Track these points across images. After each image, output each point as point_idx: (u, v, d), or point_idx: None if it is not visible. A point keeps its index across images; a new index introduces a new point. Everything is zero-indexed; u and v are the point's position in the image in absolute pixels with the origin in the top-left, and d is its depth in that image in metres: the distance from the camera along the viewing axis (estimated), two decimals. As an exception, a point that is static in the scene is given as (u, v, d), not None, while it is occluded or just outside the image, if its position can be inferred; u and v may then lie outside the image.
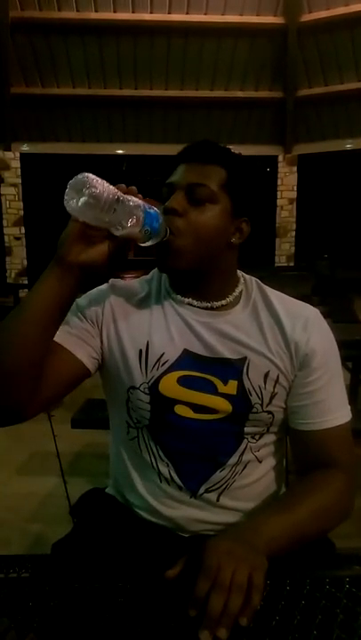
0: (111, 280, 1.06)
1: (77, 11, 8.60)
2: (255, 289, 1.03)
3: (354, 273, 8.85)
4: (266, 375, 0.94)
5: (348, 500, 0.92)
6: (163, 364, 0.95)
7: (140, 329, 0.98)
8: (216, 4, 8.64)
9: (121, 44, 8.86)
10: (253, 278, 1.05)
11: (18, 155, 9.59)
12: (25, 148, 9.63)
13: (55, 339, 0.90)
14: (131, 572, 0.78)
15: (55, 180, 12.14)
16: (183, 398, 0.94)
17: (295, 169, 10.08)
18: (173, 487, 0.98)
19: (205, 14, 8.71)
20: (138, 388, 0.96)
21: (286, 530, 0.79)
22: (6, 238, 9.77)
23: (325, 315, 1.06)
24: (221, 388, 0.94)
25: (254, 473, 1.00)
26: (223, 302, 0.98)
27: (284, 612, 0.67)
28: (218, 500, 0.97)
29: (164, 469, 0.98)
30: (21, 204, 9.72)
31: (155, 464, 0.98)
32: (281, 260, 10.25)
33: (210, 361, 0.95)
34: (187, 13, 8.70)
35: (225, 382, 0.94)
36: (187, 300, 0.98)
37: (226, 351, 0.95)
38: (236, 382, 0.94)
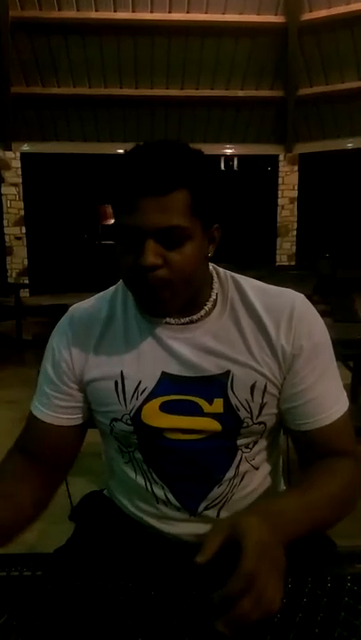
0: (70, 310, 0.99)
1: (77, 10, 8.59)
2: (231, 286, 0.94)
3: (355, 272, 8.83)
4: (252, 387, 0.89)
5: (359, 487, 0.89)
6: (142, 393, 0.89)
7: (110, 359, 0.91)
8: (217, 3, 8.62)
9: (121, 43, 8.85)
10: (228, 273, 0.96)
11: (18, 154, 9.58)
12: (25, 147, 9.62)
13: (42, 417, 0.95)
14: (132, 571, 0.78)
15: (56, 180, 12.22)
16: (168, 425, 0.90)
17: (296, 168, 10.06)
18: (171, 508, 0.95)
19: (206, 13, 8.69)
20: (120, 420, 0.91)
21: (306, 516, 0.76)
22: (7, 238, 9.76)
23: (326, 314, 1.02)
24: (207, 408, 0.89)
25: (253, 481, 0.97)
26: (202, 312, 0.91)
27: (285, 609, 0.67)
28: (218, 515, 0.95)
29: (159, 492, 0.95)
30: (22, 203, 9.71)
31: (149, 487, 0.96)
32: (282, 260, 10.24)
33: (191, 381, 0.89)
34: (187, 12, 8.68)
35: (210, 402, 0.89)
36: (164, 320, 0.91)
37: (208, 367, 0.89)
38: (221, 400, 0.88)
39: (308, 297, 0.96)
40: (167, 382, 0.89)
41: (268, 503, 0.77)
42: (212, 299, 0.92)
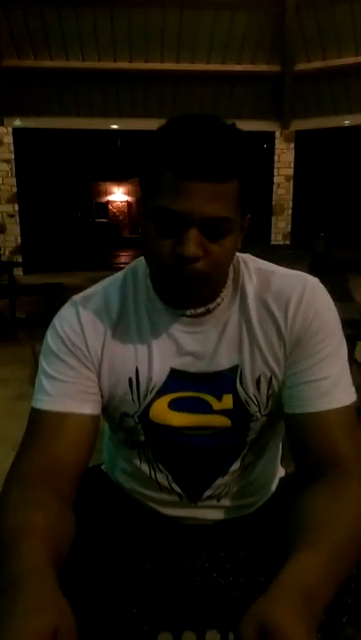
0: (76, 301, 0.91)
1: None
2: (241, 270, 0.89)
3: (350, 252, 8.83)
4: (258, 380, 0.86)
5: None
6: (152, 390, 0.86)
7: (126, 353, 0.87)
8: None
9: (115, 15, 8.65)
10: (240, 257, 0.91)
11: (10, 130, 9.42)
12: (18, 122, 9.46)
13: (55, 407, 0.81)
14: (128, 545, 0.79)
15: (49, 156, 12.02)
16: (177, 423, 0.87)
17: (292, 145, 9.97)
18: (173, 495, 0.95)
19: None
20: (130, 416, 0.89)
21: (332, 570, 0.62)
22: (0, 216, 9.67)
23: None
24: (216, 405, 0.87)
25: (256, 469, 0.96)
26: (218, 301, 0.87)
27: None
28: (219, 501, 0.96)
29: (163, 480, 0.94)
30: (15, 180, 9.58)
31: (153, 475, 0.95)
32: (277, 239, 10.21)
33: (200, 377, 0.86)
34: (183, -16, 8.49)
35: (219, 398, 0.86)
36: (180, 311, 0.86)
37: (216, 362, 0.86)
38: (230, 396, 0.86)
39: None
40: (176, 379, 0.87)
41: (295, 575, 0.59)
42: (227, 286, 0.88)
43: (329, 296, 0.87)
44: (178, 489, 0.94)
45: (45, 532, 0.65)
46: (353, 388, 0.84)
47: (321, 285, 0.87)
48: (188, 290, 0.78)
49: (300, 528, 0.67)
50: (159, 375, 0.86)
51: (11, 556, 0.59)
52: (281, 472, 1.08)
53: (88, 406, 0.84)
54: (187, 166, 0.70)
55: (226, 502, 0.96)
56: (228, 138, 0.73)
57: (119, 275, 0.93)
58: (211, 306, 0.86)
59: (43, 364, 0.87)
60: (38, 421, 0.82)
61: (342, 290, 4.11)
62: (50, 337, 0.88)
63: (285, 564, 0.60)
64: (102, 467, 1.12)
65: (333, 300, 0.88)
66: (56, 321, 0.89)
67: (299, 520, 0.69)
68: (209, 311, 0.86)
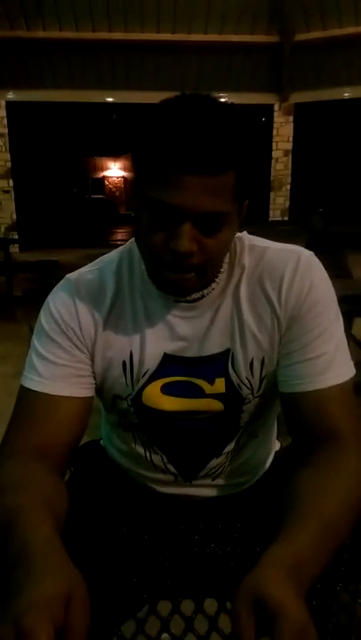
0: (70, 279, 0.89)
1: None
2: (239, 250, 0.88)
3: (348, 228, 8.78)
4: (251, 364, 0.85)
5: None
6: (144, 374, 0.86)
7: (120, 337, 0.86)
8: None
9: (110, -18, 8.40)
10: (236, 238, 0.88)
11: (3, 103, 9.23)
12: (10, 95, 9.27)
13: (46, 389, 0.81)
14: (126, 518, 0.81)
15: (44, 130, 11.80)
16: (170, 408, 0.88)
17: (291, 119, 9.81)
18: (168, 475, 0.96)
19: None
20: (124, 399, 0.89)
21: (324, 547, 0.63)
22: (-6, 191, 9.56)
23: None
24: (209, 389, 0.87)
25: (250, 449, 0.97)
26: (213, 286, 0.85)
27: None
28: (213, 480, 0.97)
29: (158, 461, 0.96)
30: (9, 155, 9.43)
31: (148, 456, 0.96)
32: (275, 215, 10.13)
33: (193, 362, 0.86)
34: None
35: (212, 382, 0.86)
36: (173, 297, 0.85)
37: (208, 346, 0.86)
38: (223, 379, 0.86)
39: None
40: (168, 363, 0.86)
41: (283, 550, 0.60)
42: (223, 270, 0.86)
43: (324, 270, 0.86)
44: (173, 469, 0.95)
45: (44, 504, 0.66)
46: (351, 363, 0.83)
47: (316, 259, 0.86)
48: (181, 283, 0.77)
49: (291, 501, 0.68)
50: (152, 359, 0.86)
51: (16, 529, 0.60)
52: (276, 446, 1.10)
53: (79, 389, 0.84)
54: (182, 160, 0.67)
55: (220, 481, 0.98)
56: (225, 126, 0.70)
57: (115, 255, 0.91)
58: (206, 291, 0.85)
59: (35, 342, 0.86)
60: (29, 401, 0.82)
61: (340, 266, 4.10)
62: (43, 316, 0.87)
63: (276, 537, 0.61)
64: (101, 442, 1.13)
65: (331, 277, 0.87)
66: (50, 300, 0.88)
67: (291, 493, 0.70)
68: (203, 296, 0.85)
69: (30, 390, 0.82)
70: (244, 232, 0.90)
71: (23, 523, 0.61)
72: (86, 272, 0.90)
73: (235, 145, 0.70)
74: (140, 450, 0.96)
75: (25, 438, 0.79)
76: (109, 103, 9.90)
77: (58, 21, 8.75)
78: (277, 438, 1.11)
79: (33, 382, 0.82)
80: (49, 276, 5.62)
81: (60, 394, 0.82)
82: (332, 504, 0.67)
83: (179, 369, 0.87)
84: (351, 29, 8.65)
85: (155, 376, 0.86)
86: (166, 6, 8.68)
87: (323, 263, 0.87)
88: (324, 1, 8.63)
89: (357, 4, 8.50)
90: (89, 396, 0.85)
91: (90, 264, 0.92)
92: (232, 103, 0.77)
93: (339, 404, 0.80)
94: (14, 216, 9.72)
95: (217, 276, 0.85)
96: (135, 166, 0.77)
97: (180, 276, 0.75)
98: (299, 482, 0.72)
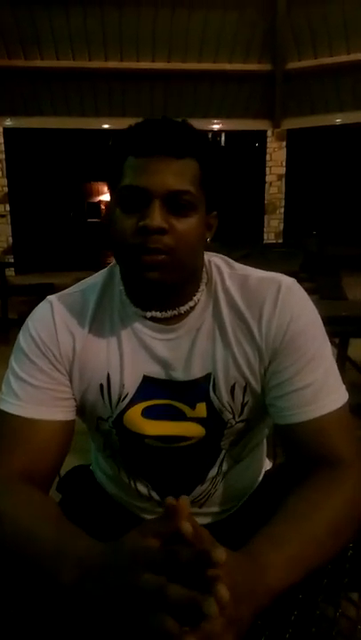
0: (51, 301, 0.88)
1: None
2: (216, 276, 0.87)
3: (342, 249, 8.87)
4: (232, 388, 0.84)
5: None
6: (124, 398, 0.85)
7: (98, 359, 0.85)
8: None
9: (105, 14, 8.62)
10: (213, 260, 0.89)
11: (1, 130, 9.37)
12: (8, 122, 9.41)
13: (25, 413, 0.80)
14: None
15: (41, 156, 11.95)
16: (151, 432, 0.86)
17: (284, 144, 9.98)
18: (153, 504, 0.95)
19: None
20: (105, 420, 0.88)
21: (295, 562, 0.63)
22: (-9, 216, 9.62)
23: (313, 291, 0.92)
24: (190, 412, 0.85)
25: (236, 473, 0.95)
26: (190, 304, 0.84)
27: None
28: (201, 507, 0.95)
29: (142, 488, 0.94)
30: (6, 180, 9.53)
31: (133, 483, 0.95)
32: (269, 237, 10.22)
33: (173, 385, 0.85)
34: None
35: (193, 406, 0.85)
36: (150, 313, 0.84)
37: (189, 370, 0.84)
38: (204, 404, 0.85)
39: (295, 274, 0.90)
40: (149, 386, 0.85)
41: (253, 557, 0.61)
42: (200, 289, 0.86)
43: (306, 296, 0.85)
44: (157, 497, 0.94)
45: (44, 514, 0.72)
46: (343, 388, 0.82)
47: (297, 286, 0.85)
48: (153, 263, 0.76)
49: (277, 518, 0.68)
50: (132, 382, 0.85)
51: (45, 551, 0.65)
52: (267, 465, 1.08)
53: (60, 413, 0.82)
54: (145, 144, 0.75)
55: (209, 509, 0.96)
56: (184, 125, 0.79)
57: (96, 277, 0.91)
58: (182, 309, 0.84)
59: (13, 363, 0.84)
60: (8, 425, 0.81)
61: (335, 287, 4.13)
62: (22, 337, 0.86)
63: (248, 548, 0.62)
64: (90, 466, 1.12)
65: (326, 298, 0.87)
66: (29, 321, 0.87)
67: (279, 510, 0.70)
68: (180, 314, 0.84)
69: (9, 414, 0.81)
70: (222, 257, 0.91)
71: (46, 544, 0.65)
72: (67, 294, 0.90)
73: (196, 138, 0.78)
74: (125, 477, 0.95)
75: (6, 463, 0.78)
76: (106, 129, 10.06)
77: (55, 51, 8.94)
78: (269, 457, 1.09)
79: (12, 406, 0.81)
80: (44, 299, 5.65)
81: (41, 418, 0.80)
82: (318, 526, 0.67)
83: (159, 392, 0.85)
84: (342, 58, 8.87)
85: (135, 399, 0.85)
86: (161, 36, 8.89)
87: (318, 285, 0.87)
88: (315, 30, 8.86)
89: (347, 33, 8.74)
90: (70, 419, 0.84)
91: (72, 287, 0.92)
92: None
93: (334, 431, 0.79)
94: (10, 240, 9.77)
95: (194, 294, 0.85)
96: (108, 175, 0.81)
97: (154, 257, 0.75)
98: (289, 500, 0.72)
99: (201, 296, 0.86)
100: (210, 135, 9.83)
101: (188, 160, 0.76)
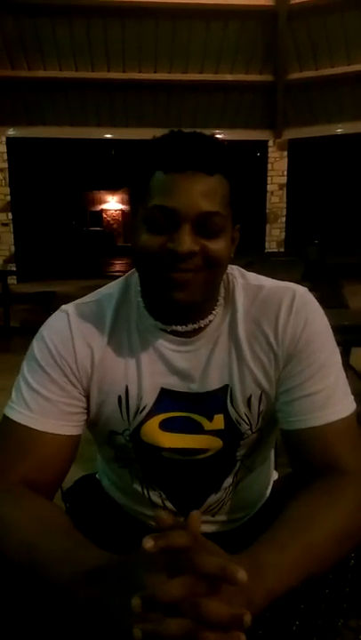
0: (67, 310, 0.87)
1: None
2: (232, 287, 0.88)
3: (343, 258, 8.89)
4: (249, 399, 0.84)
5: None
6: (142, 410, 0.84)
7: (116, 371, 0.84)
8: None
9: (108, 25, 8.70)
10: (230, 274, 0.88)
11: (4, 139, 9.44)
12: (11, 132, 9.48)
13: (34, 424, 0.79)
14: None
15: (43, 165, 12.02)
16: (168, 445, 0.85)
17: (285, 154, 10.03)
18: (167, 512, 0.95)
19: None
20: (120, 434, 0.87)
21: (296, 566, 0.64)
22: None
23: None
24: (207, 425, 0.85)
25: (248, 483, 0.95)
26: (210, 317, 0.84)
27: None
28: (213, 516, 0.95)
29: (155, 497, 0.93)
30: (8, 189, 9.58)
31: (146, 493, 0.94)
32: (271, 246, 10.24)
33: (191, 397, 0.85)
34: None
35: (210, 418, 0.85)
36: (170, 327, 0.83)
37: (207, 382, 0.84)
38: (222, 416, 0.85)
39: (297, 283, 0.90)
40: (166, 399, 0.85)
41: (252, 560, 0.62)
42: (219, 302, 0.85)
43: (318, 305, 0.86)
44: (171, 506, 0.93)
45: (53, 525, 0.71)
46: (351, 397, 0.82)
47: (310, 294, 0.86)
48: (182, 284, 0.74)
49: (279, 522, 0.69)
50: (150, 394, 0.84)
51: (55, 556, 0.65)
52: (274, 476, 1.08)
53: (68, 427, 0.82)
54: (175, 160, 0.71)
55: (220, 517, 0.96)
56: (213, 140, 0.76)
57: (112, 288, 0.90)
58: (202, 323, 0.83)
59: (25, 372, 0.83)
60: (16, 434, 0.80)
61: (336, 296, 4.14)
62: (36, 346, 0.84)
63: (248, 550, 0.63)
64: (97, 475, 1.11)
65: (327, 307, 0.87)
66: (44, 331, 0.86)
67: (281, 515, 0.70)
68: (200, 328, 0.84)
69: (18, 423, 0.80)
70: (236, 267, 0.90)
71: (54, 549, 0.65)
72: (83, 304, 0.88)
73: (225, 153, 0.75)
74: (138, 487, 0.94)
75: (11, 472, 0.78)
76: (108, 139, 10.12)
77: (58, 61, 9.02)
78: (275, 469, 1.09)
79: (22, 416, 0.80)
80: (46, 307, 5.64)
81: (49, 431, 0.80)
82: (319, 532, 0.67)
83: (177, 404, 0.85)
84: (342, 68, 8.93)
85: (153, 411, 0.85)
86: (163, 47, 8.97)
87: (319, 293, 0.87)
88: (316, 41, 8.94)
89: (348, 45, 8.81)
90: (76, 434, 0.84)
91: (86, 296, 0.91)
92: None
93: (341, 439, 0.79)
94: (13, 248, 9.80)
95: (213, 308, 0.84)
96: (133, 189, 0.79)
97: (183, 275, 0.74)
98: (292, 506, 0.72)
99: (219, 308, 0.85)
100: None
101: (219, 177, 0.73)
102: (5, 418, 0.82)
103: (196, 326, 0.83)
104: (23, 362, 0.85)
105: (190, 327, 0.83)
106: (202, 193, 0.71)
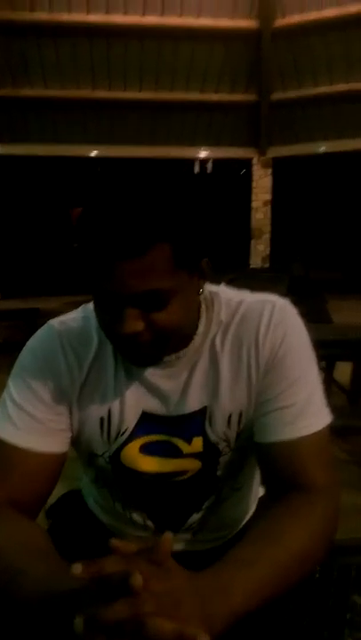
0: (55, 326, 0.86)
1: (50, 12, 8.53)
2: (211, 307, 0.86)
3: (327, 274, 8.99)
4: (228, 418, 0.84)
5: (331, 528, 0.75)
6: (123, 433, 0.84)
7: (100, 393, 0.84)
8: (191, 6, 8.69)
9: (94, 45, 8.86)
10: (210, 293, 0.87)
11: (-10, 156, 9.47)
12: (-3, 149, 9.51)
13: (19, 442, 0.78)
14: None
15: (28, 182, 12.00)
16: (148, 468, 0.85)
17: (270, 171, 10.19)
18: (148, 532, 0.94)
19: (180, 17, 8.74)
20: (100, 456, 0.86)
21: (260, 586, 0.63)
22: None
23: (299, 315, 0.92)
24: (186, 448, 0.85)
25: (232, 502, 0.95)
26: (189, 346, 0.83)
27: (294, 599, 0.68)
28: (195, 535, 0.94)
29: (137, 517, 0.93)
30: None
31: (127, 513, 0.94)
32: (256, 262, 10.34)
33: (171, 420, 0.84)
34: (161, 15, 8.71)
35: (189, 441, 0.84)
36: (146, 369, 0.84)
37: (186, 404, 0.83)
38: (200, 438, 0.84)
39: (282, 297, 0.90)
40: (147, 422, 0.84)
41: (217, 578, 0.61)
42: (199, 330, 0.83)
43: (298, 317, 0.85)
44: (152, 525, 0.93)
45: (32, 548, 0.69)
46: (325, 411, 0.81)
47: (290, 306, 0.85)
48: (137, 355, 0.76)
49: (244, 543, 0.68)
50: (131, 418, 0.84)
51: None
52: (261, 491, 1.07)
53: (54, 444, 0.81)
54: (106, 248, 0.67)
55: (202, 535, 0.95)
56: (149, 203, 0.67)
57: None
58: (182, 352, 0.82)
59: (11, 388, 0.82)
60: (1, 451, 0.79)
61: (321, 311, 4.18)
62: (22, 362, 0.84)
63: (213, 573, 0.61)
64: (82, 491, 1.10)
65: (311, 322, 0.87)
66: (31, 346, 0.85)
67: (246, 536, 0.70)
68: (180, 357, 0.83)
69: (2, 440, 0.79)
70: (221, 285, 0.89)
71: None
72: (70, 320, 0.87)
73: (158, 219, 0.67)
74: (119, 506, 0.94)
75: None
76: (93, 157, 10.19)
77: (43, 80, 9.11)
78: (261, 485, 1.09)
79: (6, 432, 0.79)
80: (30, 324, 5.59)
81: (34, 448, 0.79)
82: (284, 551, 0.67)
83: (157, 427, 0.84)
84: (325, 88, 9.15)
85: (133, 435, 0.84)
86: (149, 66, 9.12)
87: (303, 308, 0.87)
88: (299, 62, 9.16)
89: (330, 65, 9.03)
90: (63, 451, 0.83)
91: (73, 312, 0.90)
92: (169, 174, 0.73)
93: (310, 455, 0.78)
94: (-3, 265, 9.77)
95: (193, 337, 0.83)
96: (81, 266, 0.75)
97: (136, 351, 0.74)
98: (259, 523, 0.72)
99: (200, 329, 0.84)
100: (197, 165, 9.99)
101: (154, 251, 0.66)
102: None
103: (175, 355, 0.82)
104: (9, 377, 0.84)
105: (169, 358, 0.81)
106: (136, 274, 0.67)
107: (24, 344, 0.88)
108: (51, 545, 0.71)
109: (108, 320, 0.73)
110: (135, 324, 0.70)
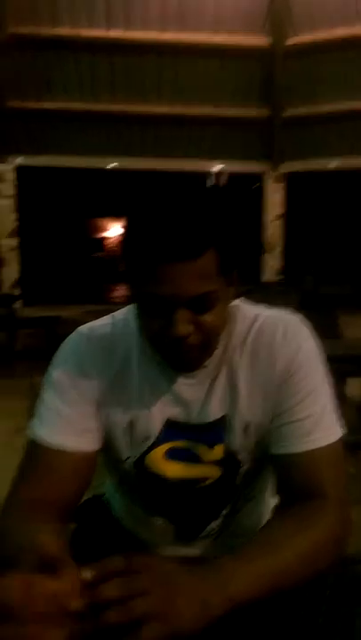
0: (83, 331, 0.91)
1: (72, 27, 8.71)
2: (233, 320, 0.90)
3: (339, 288, 8.97)
4: (245, 429, 0.87)
5: (341, 536, 0.77)
6: (147, 439, 0.87)
7: (126, 400, 0.87)
8: (207, 23, 8.84)
9: (114, 60, 9.01)
10: (230, 307, 0.88)
11: (13, 167, 9.62)
12: (20, 160, 9.67)
13: (53, 442, 0.81)
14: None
15: (50, 192, 12.09)
16: (171, 474, 0.89)
17: (283, 186, 10.24)
18: (168, 536, 0.97)
19: (196, 33, 8.88)
20: (124, 461, 0.90)
21: (261, 579, 0.65)
22: (1, 250, 9.73)
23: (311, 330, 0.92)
24: (208, 455, 0.88)
25: (248, 510, 0.98)
26: (212, 356, 0.86)
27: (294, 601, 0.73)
28: (215, 540, 0.97)
29: (158, 522, 0.96)
30: (17, 215, 9.70)
31: (149, 519, 0.97)
32: (268, 276, 10.35)
33: (194, 428, 0.88)
34: (179, 32, 8.86)
35: (211, 448, 0.88)
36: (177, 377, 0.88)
37: (209, 413, 0.87)
38: (222, 446, 0.88)
39: (293, 312, 0.93)
40: (172, 430, 0.88)
41: (217, 568, 0.64)
42: (221, 338, 0.86)
43: (311, 333, 0.89)
44: (172, 531, 0.96)
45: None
46: (338, 425, 0.84)
47: (304, 323, 0.89)
48: (183, 359, 0.80)
49: (250, 542, 0.71)
50: (156, 424, 0.87)
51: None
52: (275, 500, 1.08)
53: (86, 443, 0.84)
54: (161, 252, 0.70)
55: (221, 541, 0.98)
56: (198, 210, 0.72)
57: (127, 313, 0.92)
58: (207, 362, 0.85)
59: (43, 393, 0.87)
60: (35, 454, 0.83)
61: (331, 326, 4.18)
62: (54, 368, 0.88)
63: (214, 564, 0.64)
64: (104, 496, 1.13)
65: (322, 337, 0.90)
66: (61, 353, 0.89)
67: (257, 535, 0.74)
68: (205, 366, 0.86)
69: (36, 442, 0.83)
70: (239, 300, 0.93)
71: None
72: (99, 327, 0.91)
73: (210, 225, 0.72)
74: (141, 512, 0.97)
75: (30, 492, 0.80)
76: (112, 169, 10.32)
77: (65, 93, 9.27)
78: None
79: (40, 435, 0.83)
80: (51, 332, 5.64)
81: (67, 447, 0.82)
82: (286, 552, 0.69)
83: (181, 434, 0.88)
84: (338, 105, 9.16)
85: (158, 441, 0.87)
86: (166, 82, 9.25)
87: (314, 323, 0.90)
88: (311, 80, 9.22)
89: (342, 84, 9.04)
90: (94, 449, 0.86)
91: (102, 319, 0.94)
92: (214, 185, 0.83)
93: (324, 467, 0.80)
94: (19, 273, 9.87)
95: (216, 347, 0.86)
96: (126, 266, 0.79)
97: (184, 356, 0.78)
98: (267, 526, 0.77)
99: (222, 342, 0.87)
100: (212, 179, 10.08)
101: (206, 255, 0.71)
102: (29, 439, 0.85)
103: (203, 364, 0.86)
104: (43, 385, 0.88)
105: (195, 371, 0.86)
106: (190, 278, 0.71)
107: (44, 351, 0.94)
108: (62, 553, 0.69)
109: (157, 325, 0.76)
110: (187, 327, 0.74)
